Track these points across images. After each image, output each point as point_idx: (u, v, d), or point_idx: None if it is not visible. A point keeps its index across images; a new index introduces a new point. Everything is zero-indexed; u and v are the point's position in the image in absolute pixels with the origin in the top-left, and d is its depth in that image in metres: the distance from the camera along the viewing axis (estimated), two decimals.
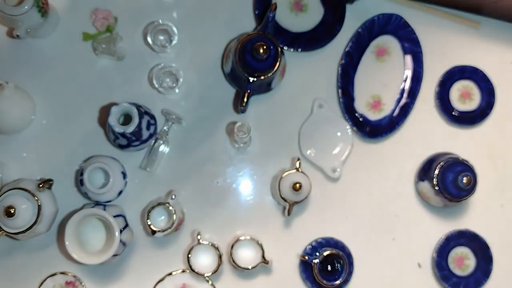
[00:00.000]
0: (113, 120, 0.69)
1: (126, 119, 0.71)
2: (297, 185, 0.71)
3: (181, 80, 0.76)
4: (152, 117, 0.74)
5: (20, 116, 0.76)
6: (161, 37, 0.77)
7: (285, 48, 0.78)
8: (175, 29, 0.76)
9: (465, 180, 0.73)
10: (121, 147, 0.73)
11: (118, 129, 0.69)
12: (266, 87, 0.76)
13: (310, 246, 0.77)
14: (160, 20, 0.76)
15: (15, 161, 0.77)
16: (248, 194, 0.78)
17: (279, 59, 0.70)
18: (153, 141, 0.76)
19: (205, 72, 0.79)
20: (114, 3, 0.79)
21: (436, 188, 0.75)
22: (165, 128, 0.76)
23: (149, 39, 0.75)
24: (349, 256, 0.77)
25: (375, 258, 0.79)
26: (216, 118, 0.78)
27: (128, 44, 0.78)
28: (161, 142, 0.76)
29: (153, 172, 0.76)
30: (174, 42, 0.76)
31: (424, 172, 0.78)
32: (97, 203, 0.74)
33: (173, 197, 0.73)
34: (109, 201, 0.74)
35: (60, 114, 0.78)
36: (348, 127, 0.78)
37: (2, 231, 0.69)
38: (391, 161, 0.80)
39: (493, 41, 0.82)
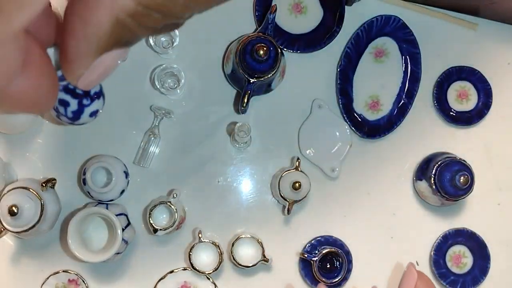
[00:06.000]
0: None
1: None
2: (297, 184, 0.72)
3: (182, 81, 0.76)
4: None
5: (23, 116, 0.74)
6: (163, 39, 0.77)
7: (285, 49, 0.78)
8: (176, 31, 0.75)
9: (462, 179, 0.73)
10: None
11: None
12: (266, 88, 0.77)
13: (309, 244, 0.78)
14: None
15: (18, 160, 0.77)
16: (249, 193, 0.79)
17: (279, 60, 0.70)
18: (145, 137, 0.76)
19: (206, 73, 0.79)
20: None
21: (434, 187, 0.75)
22: (155, 123, 0.76)
23: (150, 41, 0.75)
24: (347, 254, 0.78)
25: (373, 256, 0.79)
26: (217, 118, 0.79)
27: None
28: (152, 137, 0.76)
29: (147, 167, 0.77)
30: (175, 43, 0.76)
31: (422, 171, 0.78)
32: (100, 202, 0.74)
33: (175, 196, 0.73)
34: (112, 200, 0.75)
35: None
36: (346, 127, 0.79)
37: (6, 230, 0.69)
38: (389, 161, 0.81)
39: (490, 43, 0.83)
